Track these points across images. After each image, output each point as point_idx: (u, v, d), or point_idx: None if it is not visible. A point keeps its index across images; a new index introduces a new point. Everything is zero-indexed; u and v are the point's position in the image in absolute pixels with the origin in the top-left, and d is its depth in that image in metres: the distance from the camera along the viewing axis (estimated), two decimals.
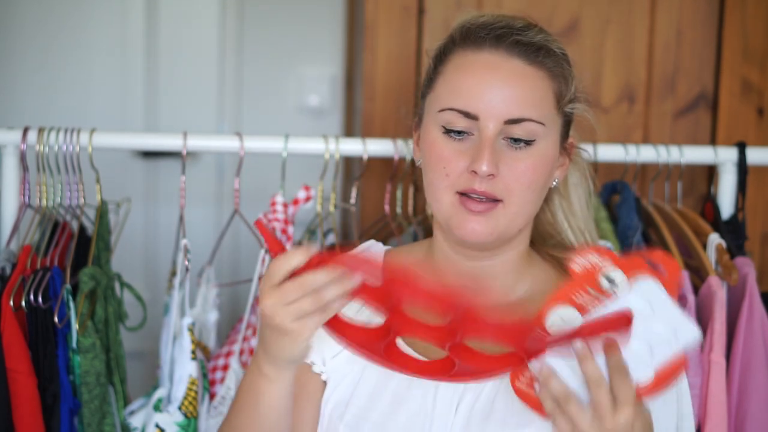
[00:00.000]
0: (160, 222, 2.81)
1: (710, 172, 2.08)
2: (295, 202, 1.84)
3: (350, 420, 1.33)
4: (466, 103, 1.30)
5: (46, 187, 1.78)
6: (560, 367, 1.20)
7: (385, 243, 1.89)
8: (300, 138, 1.83)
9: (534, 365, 1.21)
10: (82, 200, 1.80)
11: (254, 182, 2.32)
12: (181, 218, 1.82)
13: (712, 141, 2.12)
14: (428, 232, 1.67)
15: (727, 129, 2.10)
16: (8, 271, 1.72)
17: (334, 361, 1.37)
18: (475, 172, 1.29)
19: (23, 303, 1.63)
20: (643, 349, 1.19)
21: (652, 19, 2.10)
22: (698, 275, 1.81)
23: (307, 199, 1.85)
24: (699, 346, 1.65)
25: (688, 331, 1.20)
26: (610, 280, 1.23)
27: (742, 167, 1.90)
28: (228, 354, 1.81)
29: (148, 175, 2.83)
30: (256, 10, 2.85)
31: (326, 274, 1.17)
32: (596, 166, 1.88)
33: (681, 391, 1.34)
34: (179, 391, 1.69)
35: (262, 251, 1.80)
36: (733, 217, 1.91)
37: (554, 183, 1.39)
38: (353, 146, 1.84)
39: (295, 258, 1.18)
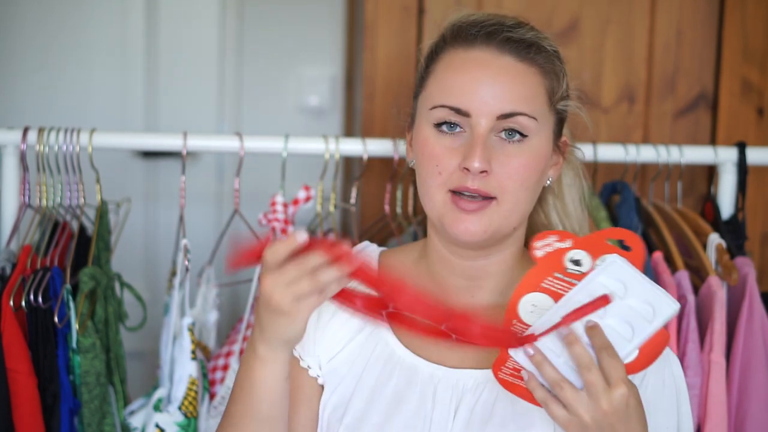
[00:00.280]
0: (160, 222, 2.81)
1: (710, 172, 2.08)
2: (295, 202, 1.84)
3: (350, 422, 1.33)
4: (457, 100, 1.30)
5: (46, 187, 1.78)
6: (547, 351, 1.20)
7: (385, 243, 1.90)
8: (300, 138, 1.83)
9: (518, 355, 1.22)
10: (82, 200, 1.80)
11: (254, 182, 2.32)
12: (181, 218, 1.82)
13: (712, 141, 2.12)
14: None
15: (727, 129, 2.10)
16: (8, 271, 1.72)
17: (331, 364, 1.37)
18: (468, 169, 1.28)
19: (23, 303, 1.63)
20: (622, 327, 1.20)
21: (652, 19, 2.10)
22: (698, 275, 1.81)
23: (307, 199, 1.85)
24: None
25: (665, 305, 1.20)
26: (576, 262, 1.23)
27: (742, 167, 1.90)
28: (228, 354, 1.81)
29: (148, 175, 2.83)
30: (256, 10, 2.85)
31: (324, 257, 1.18)
32: (596, 166, 1.88)
33: (680, 391, 1.34)
34: (179, 391, 1.70)
35: None
36: (733, 217, 1.91)
37: (548, 182, 1.38)
38: (353, 146, 1.84)
39: (296, 240, 1.19)
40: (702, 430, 1.69)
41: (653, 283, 1.22)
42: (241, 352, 1.81)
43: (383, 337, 1.37)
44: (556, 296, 1.23)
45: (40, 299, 1.63)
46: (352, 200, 1.89)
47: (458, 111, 1.30)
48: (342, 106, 2.84)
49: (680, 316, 1.73)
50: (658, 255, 1.78)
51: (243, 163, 1.82)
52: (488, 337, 1.21)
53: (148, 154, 2.80)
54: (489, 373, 1.29)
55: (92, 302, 1.68)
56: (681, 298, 1.74)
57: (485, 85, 1.30)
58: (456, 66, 1.32)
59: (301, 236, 1.19)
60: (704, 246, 1.81)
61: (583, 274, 1.22)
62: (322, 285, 1.19)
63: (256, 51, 2.86)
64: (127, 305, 1.80)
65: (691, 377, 1.69)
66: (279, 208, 1.84)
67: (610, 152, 1.88)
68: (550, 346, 1.20)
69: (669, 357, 1.34)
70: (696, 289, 1.77)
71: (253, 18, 2.85)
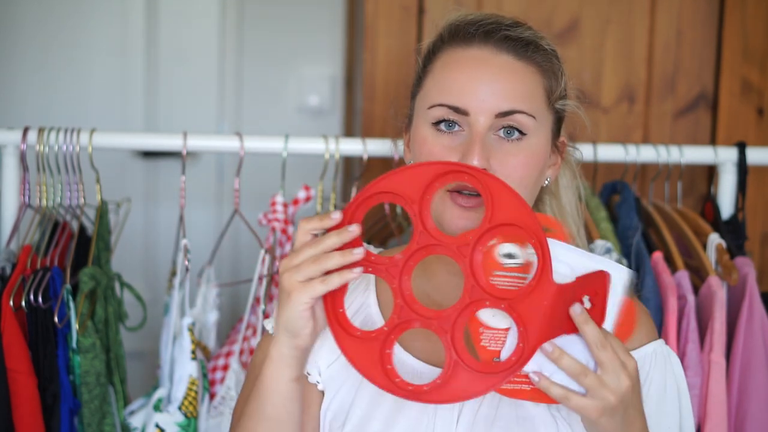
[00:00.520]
0: (160, 222, 2.81)
1: (710, 172, 2.09)
2: (295, 202, 1.84)
3: (351, 429, 1.32)
4: (456, 98, 1.30)
5: (46, 187, 1.78)
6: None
7: (385, 243, 1.90)
8: (300, 138, 1.83)
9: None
10: (82, 200, 1.80)
11: (254, 182, 2.32)
12: (181, 218, 1.82)
13: (712, 141, 2.12)
14: None
15: (727, 129, 2.10)
16: (8, 271, 1.72)
17: (330, 369, 1.36)
18: None
19: (23, 303, 1.63)
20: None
21: (652, 19, 2.10)
22: (698, 275, 1.81)
23: (307, 199, 1.85)
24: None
25: (618, 274, 1.19)
26: (509, 255, 1.22)
27: (742, 167, 1.90)
28: (228, 354, 1.81)
29: (148, 175, 2.83)
30: (256, 11, 2.85)
31: (333, 238, 1.20)
32: (596, 166, 1.88)
33: (682, 391, 1.34)
34: (179, 391, 1.70)
35: (262, 251, 1.81)
36: (733, 217, 1.91)
37: (546, 182, 1.38)
38: (353, 146, 1.84)
39: (331, 218, 1.21)
40: (702, 430, 1.69)
41: (592, 255, 1.21)
42: (241, 352, 1.81)
43: None
44: (507, 292, 1.21)
45: (40, 299, 1.63)
46: None
47: (456, 109, 1.30)
48: (342, 106, 2.84)
49: (680, 316, 1.73)
50: (658, 255, 1.78)
51: (243, 163, 1.82)
52: (477, 386, 1.20)
53: (148, 154, 2.80)
54: None
55: (92, 302, 1.68)
56: (681, 298, 1.74)
57: (483, 84, 1.30)
58: (454, 65, 1.32)
59: (336, 215, 1.21)
60: (704, 246, 1.81)
61: (523, 265, 1.21)
62: (325, 268, 1.19)
63: (256, 51, 2.86)
64: (127, 305, 1.80)
65: (691, 377, 1.69)
66: (279, 208, 1.84)
67: (610, 152, 1.88)
68: (546, 347, 1.20)
69: (670, 357, 1.34)
70: (696, 289, 1.77)
71: (253, 18, 2.85)
